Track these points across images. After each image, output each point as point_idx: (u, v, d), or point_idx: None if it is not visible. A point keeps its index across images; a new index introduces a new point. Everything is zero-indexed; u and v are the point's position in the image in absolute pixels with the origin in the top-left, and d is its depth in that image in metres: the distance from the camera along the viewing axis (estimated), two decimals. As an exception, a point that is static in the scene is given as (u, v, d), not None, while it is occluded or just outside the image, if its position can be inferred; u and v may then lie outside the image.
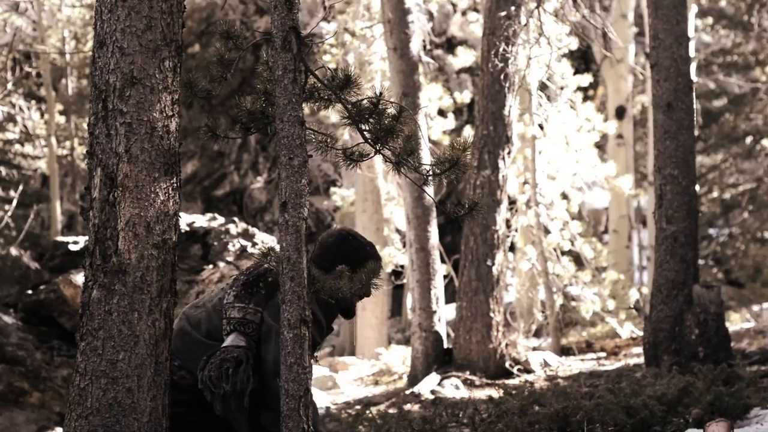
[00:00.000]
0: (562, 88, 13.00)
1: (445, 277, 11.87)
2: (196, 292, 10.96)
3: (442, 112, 15.41)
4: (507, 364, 10.36)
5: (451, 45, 21.24)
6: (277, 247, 3.97)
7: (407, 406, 9.02)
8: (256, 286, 4.38)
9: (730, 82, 23.91)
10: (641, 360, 9.87)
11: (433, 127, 14.86)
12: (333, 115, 15.03)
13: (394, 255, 14.49)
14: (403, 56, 10.81)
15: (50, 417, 10.42)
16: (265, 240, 11.82)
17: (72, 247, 11.87)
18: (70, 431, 3.97)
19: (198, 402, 4.35)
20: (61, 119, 21.80)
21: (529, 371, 10.47)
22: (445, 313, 10.93)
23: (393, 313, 18.83)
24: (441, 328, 10.65)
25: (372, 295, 4.44)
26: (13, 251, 17.88)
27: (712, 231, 24.38)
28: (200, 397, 4.34)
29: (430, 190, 4.67)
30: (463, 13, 22.53)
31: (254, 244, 11.59)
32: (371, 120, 4.12)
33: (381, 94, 4.12)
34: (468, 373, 10.14)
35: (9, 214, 19.56)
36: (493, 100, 10.37)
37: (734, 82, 23.63)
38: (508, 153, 10.49)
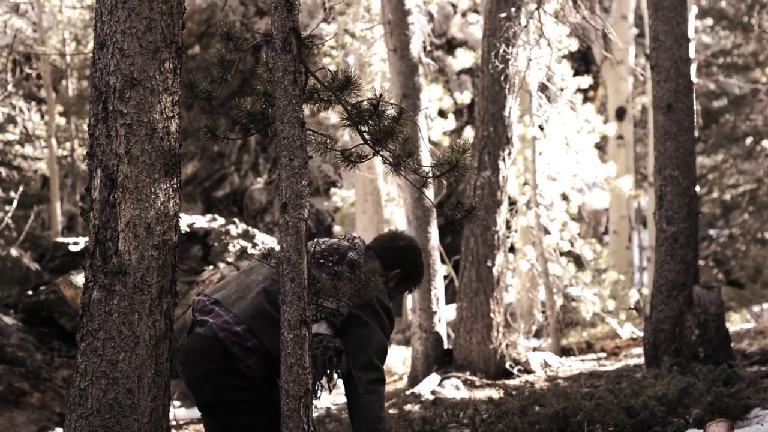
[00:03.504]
0: (562, 90, 13.01)
1: (445, 277, 11.88)
2: (196, 293, 10.97)
3: (442, 113, 15.42)
4: (507, 365, 10.36)
5: (451, 46, 21.24)
6: (278, 248, 3.98)
7: (407, 407, 9.03)
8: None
9: (730, 83, 23.92)
10: (641, 360, 9.88)
11: (434, 128, 14.87)
12: (333, 116, 15.06)
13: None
14: (404, 57, 10.81)
15: (50, 418, 10.43)
16: (266, 241, 11.83)
17: (72, 248, 11.88)
18: (70, 432, 3.98)
19: (254, 397, 4.45)
20: (61, 120, 21.81)
21: (529, 372, 10.47)
22: (445, 314, 10.94)
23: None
24: (441, 328, 10.66)
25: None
26: (14, 252, 17.89)
27: (712, 232, 24.38)
28: (257, 392, 4.45)
29: (429, 192, 4.73)
30: (464, 15, 22.53)
31: (254, 245, 11.60)
32: (371, 121, 4.13)
33: (381, 95, 4.13)
34: (468, 373, 10.14)
35: (9, 215, 19.57)
36: (494, 101, 10.38)
37: (734, 83, 23.63)
38: (509, 154, 10.49)
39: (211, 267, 11.56)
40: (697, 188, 10.17)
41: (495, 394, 9.20)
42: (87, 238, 4.13)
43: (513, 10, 10.29)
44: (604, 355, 11.93)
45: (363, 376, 4.53)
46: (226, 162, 22.23)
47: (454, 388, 9.80)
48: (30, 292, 11.28)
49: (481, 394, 9.44)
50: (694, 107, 9.14)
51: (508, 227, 11.76)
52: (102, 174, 4.04)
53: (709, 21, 24.04)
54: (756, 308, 16.54)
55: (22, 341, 10.61)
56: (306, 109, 4.08)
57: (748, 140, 23.18)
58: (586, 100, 14.86)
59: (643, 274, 21.66)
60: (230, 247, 11.77)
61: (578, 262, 13.49)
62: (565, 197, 13.54)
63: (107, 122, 4.04)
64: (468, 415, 7.81)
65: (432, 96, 14.91)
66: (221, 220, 12.41)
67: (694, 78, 9.23)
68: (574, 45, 13.01)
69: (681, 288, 8.80)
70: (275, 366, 4.32)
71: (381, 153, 4.16)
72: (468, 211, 4.24)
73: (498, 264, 10.40)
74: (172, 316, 4.13)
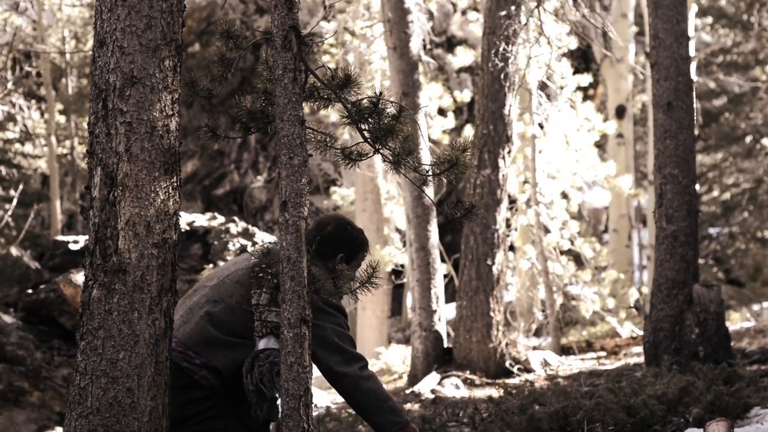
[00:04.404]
0: (562, 88, 13.01)
1: (445, 276, 11.87)
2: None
3: (442, 111, 15.42)
4: (507, 364, 10.36)
5: (451, 44, 21.24)
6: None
7: (407, 406, 9.02)
8: None
9: (730, 82, 23.92)
10: (641, 359, 9.87)
11: (433, 127, 14.87)
12: (333, 114, 15.06)
13: (394, 254, 14.49)
14: (403, 55, 10.81)
15: (50, 416, 10.43)
16: (265, 239, 11.82)
17: (72, 247, 11.88)
18: (70, 431, 3.97)
19: (217, 402, 4.45)
20: (61, 118, 21.81)
21: (529, 370, 10.47)
22: (445, 313, 10.93)
23: (393, 312, 18.84)
24: (441, 327, 10.66)
25: (372, 294, 4.51)
26: (14, 251, 17.88)
27: (712, 230, 24.39)
28: (219, 397, 4.45)
29: (429, 190, 4.72)
30: (463, 13, 22.53)
31: (254, 244, 11.59)
32: (371, 119, 4.12)
33: (381, 93, 4.12)
34: (468, 372, 10.14)
35: (9, 213, 19.57)
36: (493, 99, 10.37)
37: (734, 81, 23.63)
38: (508, 152, 10.49)
39: (211, 265, 11.56)
40: (697, 187, 10.16)
41: (495, 392, 9.20)
42: (87, 237, 4.12)
43: (513, 8, 10.28)
44: (603, 353, 11.93)
45: (349, 370, 4.52)
46: (226, 160, 22.24)
47: (453, 387, 9.80)
48: (30, 291, 11.28)
49: (480, 393, 9.44)
50: (694, 105, 9.14)
51: (508, 226, 11.76)
52: (102, 172, 4.04)
53: (709, 19, 24.05)
54: (756, 307, 16.55)
55: (21, 340, 10.61)
56: (306, 107, 4.07)
57: (748, 139, 23.18)
58: (585, 98, 14.86)
59: (642, 272, 21.67)
60: (230, 246, 11.77)
61: (578, 260, 13.49)
62: (565, 196, 13.54)
63: (107, 120, 4.04)
64: (468, 414, 7.81)
65: (432, 94, 14.90)
66: (221, 219, 12.41)
67: (694, 76, 9.22)
68: (573, 43, 13.01)
69: (681, 287, 8.80)
70: (228, 379, 4.40)
71: (381, 151, 4.16)
72: (468, 209, 4.23)
73: (498, 262, 10.39)
74: (172, 314, 4.12)
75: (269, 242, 4.61)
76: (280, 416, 4.04)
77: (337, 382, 4.57)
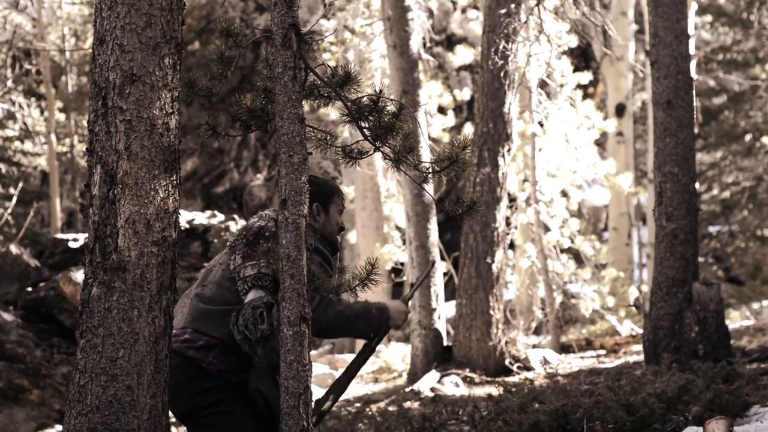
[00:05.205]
0: (562, 86, 13.01)
1: (444, 274, 11.88)
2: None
3: (442, 110, 15.42)
4: (507, 362, 10.36)
5: (450, 42, 21.23)
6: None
7: (407, 404, 9.02)
8: (257, 244, 4.46)
9: (730, 80, 23.92)
10: (641, 357, 9.88)
11: (433, 125, 14.87)
12: (333, 112, 15.01)
13: (393, 252, 14.49)
14: (403, 54, 10.80)
15: (50, 414, 10.43)
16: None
17: (72, 245, 11.88)
18: (69, 429, 3.97)
19: (227, 396, 4.46)
20: (60, 116, 21.81)
21: (528, 369, 10.47)
22: (444, 311, 10.94)
23: (393, 310, 18.77)
24: (441, 325, 10.66)
25: (371, 291, 4.50)
26: (13, 249, 17.87)
27: (711, 228, 24.39)
28: (229, 389, 4.47)
29: (429, 187, 4.71)
30: (463, 11, 22.52)
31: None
32: (371, 117, 4.12)
33: (381, 91, 4.12)
34: (468, 370, 10.14)
35: (9, 211, 19.56)
36: (493, 97, 10.37)
37: (734, 79, 23.62)
38: (508, 150, 10.49)
39: (211, 263, 11.55)
40: (697, 185, 10.16)
41: (494, 391, 9.20)
42: (86, 235, 4.12)
43: (513, 6, 10.28)
44: (603, 352, 11.93)
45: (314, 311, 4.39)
46: (226, 158, 22.23)
47: (453, 385, 9.80)
48: (29, 289, 11.28)
49: (480, 391, 9.44)
50: (694, 104, 9.14)
51: (508, 224, 11.76)
52: (101, 170, 4.04)
53: (709, 17, 24.04)
54: (755, 305, 16.55)
55: (21, 338, 10.61)
56: (306, 105, 4.07)
57: (748, 137, 23.18)
58: (585, 96, 14.85)
59: (642, 270, 21.68)
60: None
61: (578, 258, 13.49)
62: (564, 194, 13.53)
63: (107, 118, 4.03)
64: (467, 412, 7.81)
65: (432, 92, 14.90)
66: (221, 217, 12.42)
67: (693, 74, 9.23)
68: (573, 41, 13.01)
69: (681, 285, 8.80)
70: (239, 354, 4.38)
71: (381, 149, 4.15)
72: (469, 206, 4.23)
73: (497, 261, 10.39)
74: (171, 312, 4.12)
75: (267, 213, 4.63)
76: (274, 356, 4.09)
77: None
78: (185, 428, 4.63)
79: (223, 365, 4.47)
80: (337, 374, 12.22)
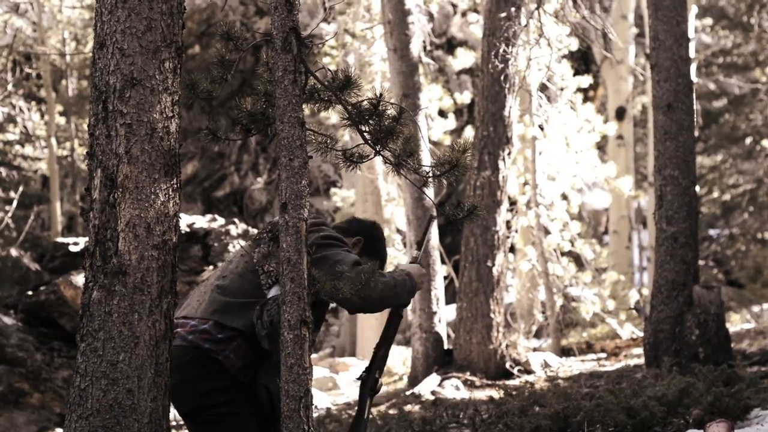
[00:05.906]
0: (562, 89, 13.02)
1: (445, 278, 11.88)
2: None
3: (442, 113, 15.42)
4: (507, 365, 10.36)
5: (451, 46, 21.25)
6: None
7: (408, 407, 9.02)
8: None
9: (730, 83, 23.93)
10: (641, 361, 9.87)
11: (434, 128, 14.87)
12: (333, 116, 15.07)
13: (394, 256, 14.49)
14: (404, 57, 10.81)
15: (50, 418, 10.43)
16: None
17: (72, 248, 11.88)
18: (70, 432, 3.97)
19: (234, 397, 4.45)
20: (61, 120, 21.82)
21: (529, 372, 10.47)
22: (445, 314, 10.93)
23: (393, 314, 18.76)
24: (441, 329, 10.65)
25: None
26: (14, 252, 17.89)
27: (712, 232, 24.39)
28: (238, 390, 4.45)
29: (430, 191, 4.72)
30: (464, 14, 22.54)
31: (254, 245, 11.58)
32: (371, 121, 4.12)
33: (381, 95, 4.12)
34: (468, 373, 10.14)
35: (9, 215, 19.56)
36: (493, 101, 10.37)
37: (734, 82, 23.64)
38: (508, 154, 10.49)
39: (211, 267, 11.57)
40: (697, 188, 10.16)
41: (495, 394, 9.19)
42: (87, 239, 4.12)
43: (513, 9, 10.29)
44: (604, 355, 11.92)
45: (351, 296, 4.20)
46: (226, 162, 22.24)
47: (454, 389, 9.80)
48: (30, 293, 11.28)
49: (481, 395, 9.44)
50: (694, 107, 9.14)
51: (508, 227, 11.77)
52: (102, 174, 4.04)
53: (709, 20, 24.05)
54: (756, 308, 16.55)
55: (22, 341, 10.61)
56: (306, 109, 4.07)
57: (748, 140, 23.18)
58: (586, 99, 14.86)
59: (643, 274, 21.67)
60: (230, 248, 11.77)
61: (578, 262, 13.49)
62: (565, 197, 13.54)
63: (107, 122, 4.04)
64: (468, 415, 7.81)
65: (432, 96, 14.91)
66: (221, 220, 12.42)
67: (694, 78, 9.23)
68: (574, 45, 13.01)
69: (681, 288, 8.79)
70: (257, 347, 4.38)
71: (381, 153, 4.15)
72: (470, 210, 4.23)
73: (498, 264, 10.39)
74: (172, 316, 4.12)
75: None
76: None
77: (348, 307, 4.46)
78: (186, 426, 4.63)
79: (240, 360, 4.44)
80: (338, 377, 12.21)
